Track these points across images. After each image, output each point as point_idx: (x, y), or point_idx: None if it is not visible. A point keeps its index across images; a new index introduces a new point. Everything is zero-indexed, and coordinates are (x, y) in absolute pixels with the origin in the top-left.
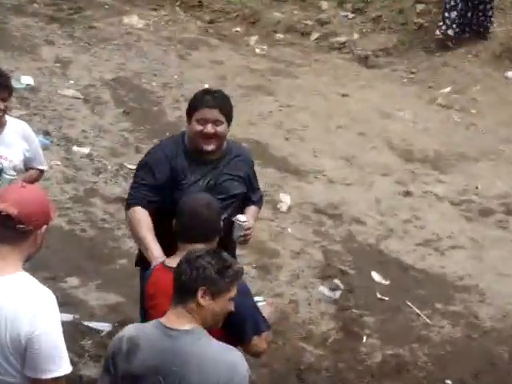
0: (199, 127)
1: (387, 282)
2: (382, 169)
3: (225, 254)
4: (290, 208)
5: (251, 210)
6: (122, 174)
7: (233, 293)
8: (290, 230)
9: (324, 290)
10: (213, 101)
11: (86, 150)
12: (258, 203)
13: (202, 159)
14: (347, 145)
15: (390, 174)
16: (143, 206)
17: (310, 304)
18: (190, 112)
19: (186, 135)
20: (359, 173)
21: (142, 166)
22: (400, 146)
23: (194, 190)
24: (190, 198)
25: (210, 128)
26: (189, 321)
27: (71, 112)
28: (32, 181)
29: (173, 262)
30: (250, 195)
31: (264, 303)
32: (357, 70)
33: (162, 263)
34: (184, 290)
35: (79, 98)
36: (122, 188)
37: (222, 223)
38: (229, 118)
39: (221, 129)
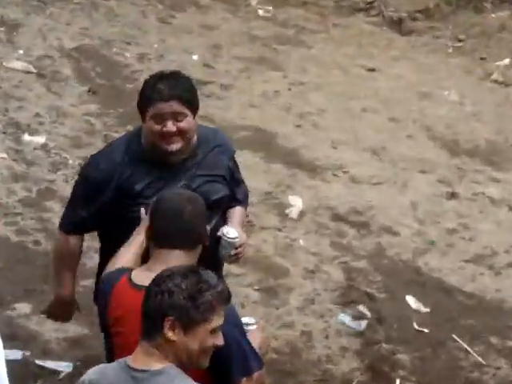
0: (157, 126)
1: (427, 310)
2: (419, 164)
3: (204, 273)
4: (301, 214)
5: (237, 213)
6: None
7: (216, 322)
8: (301, 241)
9: (345, 318)
10: (168, 90)
11: (40, 140)
12: (244, 202)
13: (167, 161)
14: (375, 133)
15: (430, 170)
16: (80, 232)
17: (327, 337)
18: (142, 108)
19: (142, 133)
20: (391, 169)
21: (82, 183)
22: (443, 134)
23: None
24: (167, 194)
25: (170, 125)
26: (158, 359)
27: (21, 90)
28: None
29: (142, 276)
30: (233, 192)
31: (254, 327)
32: (388, 38)
33: (128, 278)
34: (149, 321)
35: (31, 73)
36: None
37: (208, 230)
38: (194, 107)
39: (185, 123)
